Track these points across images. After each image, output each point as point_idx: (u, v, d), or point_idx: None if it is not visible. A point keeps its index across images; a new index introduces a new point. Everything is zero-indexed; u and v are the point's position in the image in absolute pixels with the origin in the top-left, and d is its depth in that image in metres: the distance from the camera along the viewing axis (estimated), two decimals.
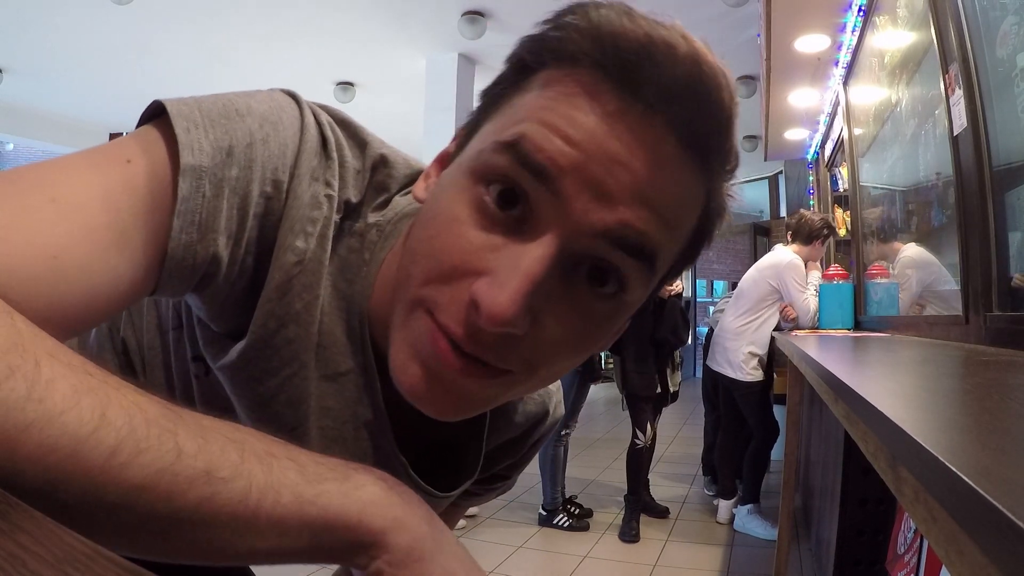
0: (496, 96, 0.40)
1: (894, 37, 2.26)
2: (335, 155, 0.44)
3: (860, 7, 2.63)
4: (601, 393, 7.26)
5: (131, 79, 5.58)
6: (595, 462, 4.34)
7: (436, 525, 0.35)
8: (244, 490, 0.30)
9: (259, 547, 0.31)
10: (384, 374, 0.48)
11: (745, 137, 6.49)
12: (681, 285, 3.09)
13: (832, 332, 2.62)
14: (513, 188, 0.36)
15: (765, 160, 5.47)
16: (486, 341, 0.36)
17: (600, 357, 3.17)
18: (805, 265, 3.02)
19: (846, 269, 3.03)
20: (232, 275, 0.42)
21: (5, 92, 5.73)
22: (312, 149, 0.43)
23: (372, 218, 0.47)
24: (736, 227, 9.72)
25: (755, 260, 3.21)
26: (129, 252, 0.36)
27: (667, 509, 3.24)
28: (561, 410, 0.66)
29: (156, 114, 0.40)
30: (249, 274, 0.42)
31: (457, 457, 0.57)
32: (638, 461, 3.06)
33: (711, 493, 3.43)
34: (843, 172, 3.70)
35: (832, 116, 3.79)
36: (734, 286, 3.32)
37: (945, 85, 1.53)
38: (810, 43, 3.05)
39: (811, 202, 4.90)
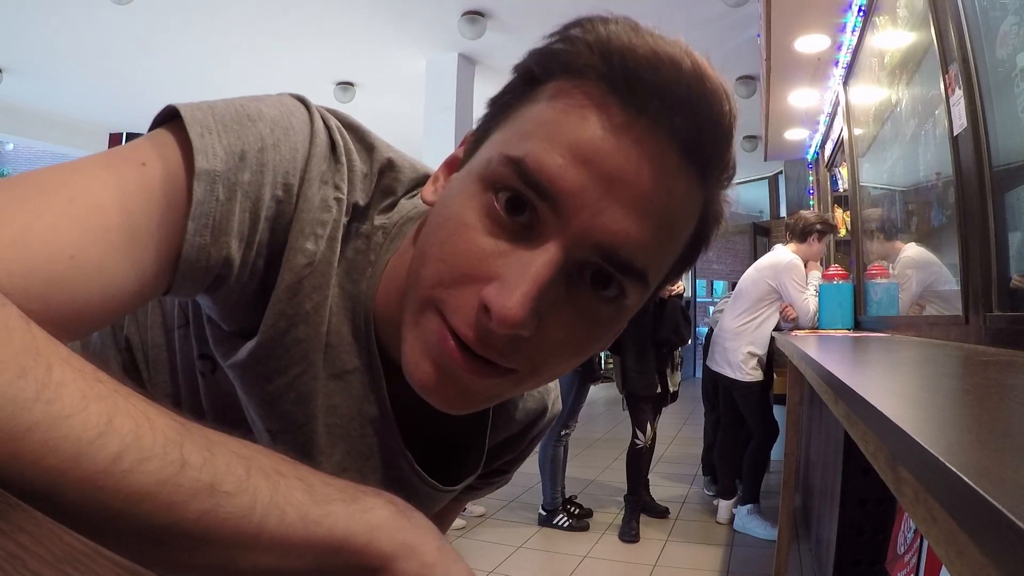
0: (504, 105, 0.42)
1: (894, 37, 2.26)
2: (344, 159, 0.45)
3: (860, 7, 2.63)
4: (601, 393, 7.26)
5: (131, 79, 5.58)
6: (595, 462, 4.34)
7: (446, 552, 0.35)
8: (248, 506, 0.29)
9: (261, 565, 0.30)
10: (389, 372, 0.49)
11: (745, 137, 6.49)
12: (682, 285, 3.09)
13: (832, 332, 2.62)
14: (520, 196, 0.37)
15: (765, 160, 5.47)
16: (494, 342, 0.37)
17: (600, 357, 3.17)
18: (806, 264, 3.02)
19: (846, 269, 3.03)
20: (243, 277, 0.42)
21: (5, 92, 5.73)
22: (322, 153, 0.43)
23: (378, 220, 0.48)
24: (736, 227, 9.72)
25: (755, 260, 3.21)
26: (143, 253, 0.37)
27: (667, 509, 3.24)
28: (559, 406, 0.67)
29: (169, 118, 0.40)
30: (260, 275, 0.43)
31: (460, 453, 0.58)
32: (638, 461, 3.06)
33: (711, 493, 3.43)
34: (843, 172, 3.70)
35: (832, 116, 3.79)
36: (734, 286, 3.32)
37: (945, 85, 1.53)
38: (810, 43, 3.05)
39: (811, 202, 4.90)
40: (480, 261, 0.37)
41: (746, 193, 9.57)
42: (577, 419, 3.22)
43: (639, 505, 3.05)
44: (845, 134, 3.26)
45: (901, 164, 2.33)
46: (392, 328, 0.46)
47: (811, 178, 5.01)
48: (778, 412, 3.26)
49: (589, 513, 3.20)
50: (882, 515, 1.83)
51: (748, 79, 5.02)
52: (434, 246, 0.40)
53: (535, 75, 0.40)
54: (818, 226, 3.02)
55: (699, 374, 4.47)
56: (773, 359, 3.13)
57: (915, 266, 2.25)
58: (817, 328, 2.84)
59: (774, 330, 3.03)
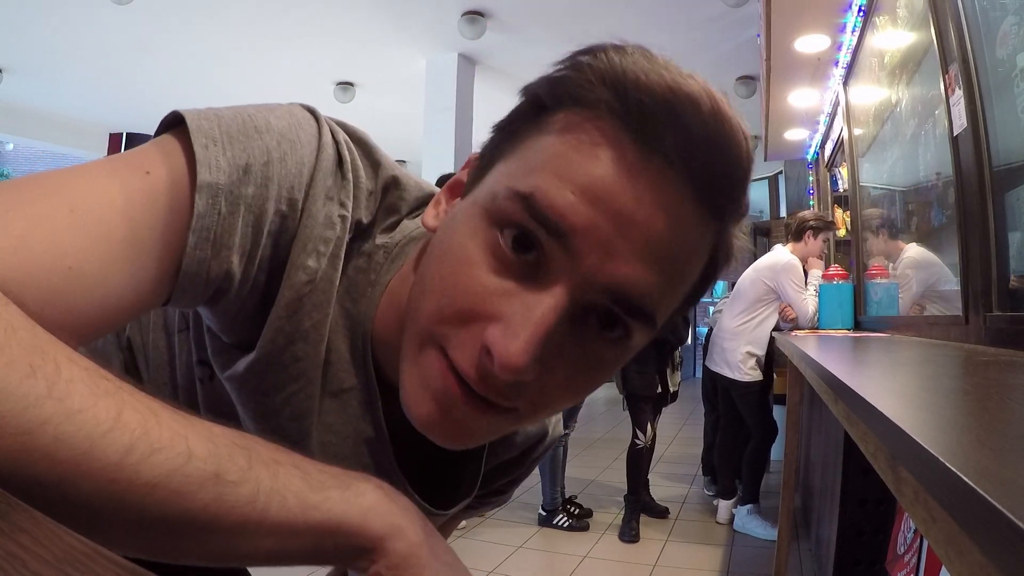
0: (511, 133, 0.40)
1: (894, 37, 2.26)
2: (350, 175, 0.44)
3: (860, 7, 2.63)
4: (601, 393, 7.26)
5: (131, 79, 5.58)
6: (595, 462, 4.34)
7: (431, 533, 0.36)
8: (252, 494, 0.30)
9: (263, 549, 0.31)
10: (385, 392, 0.48)
11: None
12: None
13: (832, 332, 2.62)
14: (527, 233, 0.36)
15: (765, 160, 5.47)
16: (495, 384, 0.37)
17: None
18: (806, 262, 3.02)
19: (846, 269, 3.03)
20: (244, 291, 0.42)
21: (5, 92, 5.73)
22: (328, 168, 0.43)
23: (380, 240, 0.47)
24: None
25: (755, 260, 3.21)
26: (144, 264, 0.36)
27: (667, 509, 3.24)
28: (560, 429, 0.67)
29: (175, 123, 0.40)
30: (260, 290, 0.43)
31: (455, 473, 0.58)
32: (638, 461, 3.06)
33: (711, 493, 3.43)
34: (843, 172, 3.70)
35: (832, 116, 3.79)
36: (733, 286, 3.32)
37: (945, 85, 1.53)
38: (810, 43, 3.05)
39: (811, 202, 4.90)
40: (484, 300, 0.37)
41: None
42: (577, 419, 3.22)
43: (639, 505, 3.05)
44: (845, 134, 3.26)
45: (901, 164, 2.33)
46: (390, 350, 0.45)
47: (811, 178, 5.01)
48: (778, 412, 3.26)
49: (589, 513, 3.20)
50: (882, 515, 1.83)
51: (748, 79, 5.02)
52: (436, 279, 0.39)
53: (544, 103, 0.39)
54: (811, 223, 3.03)
55: (699, 374, 4.47)
56: (773, 359, 3.13)
57: (916, 266, 2.25)
58: (817, 328, 2.84)
59: (774, 330, 3.03)
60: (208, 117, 0.39)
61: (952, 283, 1.68)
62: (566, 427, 3.15)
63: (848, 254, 3.40)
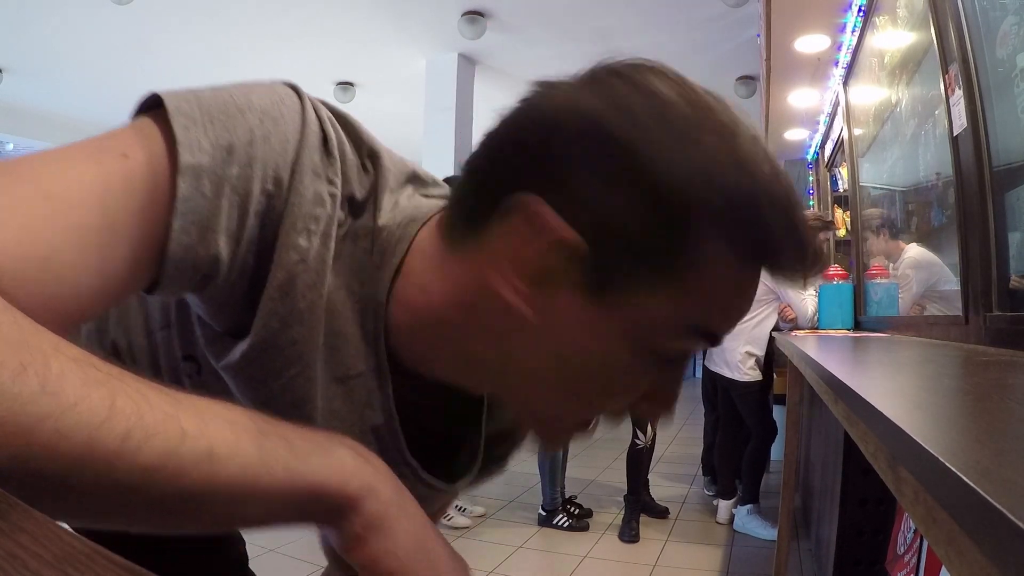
0: (655, 262, 0.40)
1: (894, 37, 2.26)
2: (336, 151, 0.44)
3: (860, 7, 2.63)
4: None
5: (131, 79, 5.58)
6: (595, 462, 4.34)
7: (402, 492, 0.38)
8: (242, 466, 0.32)
9: (252, 516, 0.33)
10: (396, 376, 0.48)
11: None
12: None
13: (832, 332, 2.62)
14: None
15: None
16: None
17: None
18: None
19: (846, 269, 3.03)
20: (232, 275, 0.41)
21: (5, 92, 5.74)
22: (314, 145, 0.42)
23: (383, 220, 0.47)
24: None
25: None
26: (122, 250, 0.36)
27: (667, 509, 3.24)
28: None
29: (153, 105, 0.39)
30: (250, 273, 0.42)
31: (456, 445, 0.58)
32: (638, 461, 3.06)
33: (711, 493, 3.43)
34: (843, 172, 3.71)
35: (832, 116, 3.79)
36: None
37: (945, 85, 1.53)
38: (810, 43, 3.06)
39: (811, 202, 4.90)
40: (632, 394, 0.45)
41: None
42: None
43: (639, 505, 3.05)
44: (845, 134, 3.26)
45: (901, 164, 2.33)
46: (408, 334, 0.47)
47: (811, 178, 5.01)
48: (778, 412, 3.26)
49: (589, 513, 3.20)
50: (882, 515, 1.83)
51: (748, 79, 5.03)
52: (568, 381, 0.44)
53: (690, 226, 0.39)
54: (811, 222, 3.02)
55: (699, 374, 4.47)
56: (772, 359, 3.13)
57: (916, 266, 2.25)
58: (817, 328, 2.84)
59: (773, 330, 3.03)
60: (187, 98, 0.39)
61: (952, 283, 1.68)
62: None
63: (848, 254, 3.40)
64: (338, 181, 0.44)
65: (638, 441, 3.05)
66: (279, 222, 0.41)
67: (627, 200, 0.39)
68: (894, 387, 0.74)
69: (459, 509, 3.08)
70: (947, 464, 0.31)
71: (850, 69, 3.08)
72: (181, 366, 0.50)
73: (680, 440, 5.11)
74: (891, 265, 2.58)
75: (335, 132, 0.44)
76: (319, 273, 0.43)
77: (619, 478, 3.25)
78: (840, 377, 0.69)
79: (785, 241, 0.41)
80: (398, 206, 0.48)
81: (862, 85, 2.96)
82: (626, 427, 3.23)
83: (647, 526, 3.05)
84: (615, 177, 0.39)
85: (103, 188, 0.35)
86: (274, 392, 0.45)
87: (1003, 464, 0.31)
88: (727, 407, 3.21)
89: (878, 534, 1.83)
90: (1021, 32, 1.23)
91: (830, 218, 3.52)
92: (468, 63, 5.04)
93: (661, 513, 3.21)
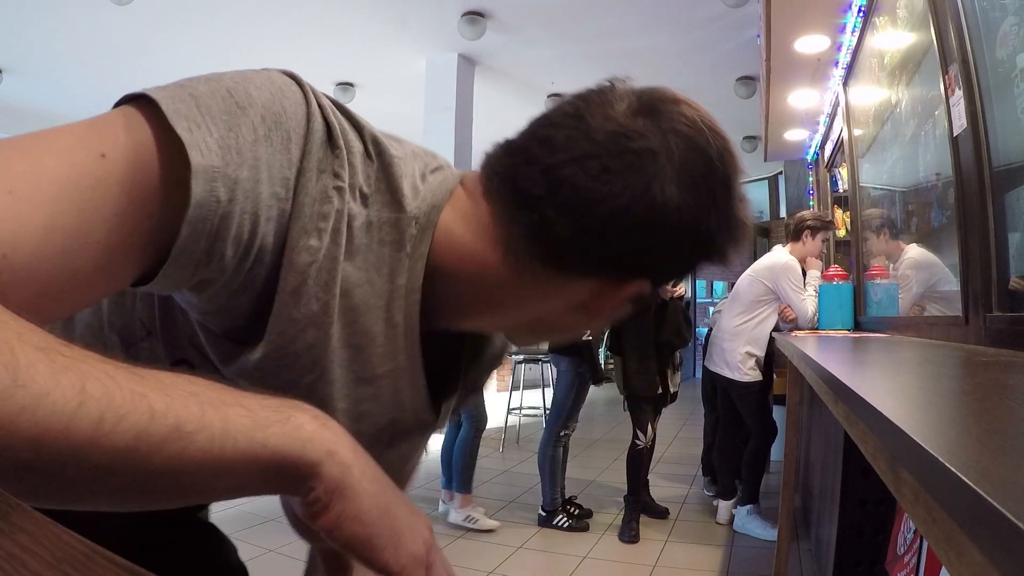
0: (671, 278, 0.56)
1: (894, 38, 2.26)
2: (341, 143, 0.43)
3: (860, 8, 2.63)
4: (601, 394, 7.26)
5: (131, 79, 5.58)
6: (595, 463, 4.34)
7: (360, 454, 0.38)
8: (208, 440, 0.32)
9: (219, 487, 0.34)
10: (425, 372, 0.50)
11: (745, 138, 6.49)
12: (683, 288, 3.10)
13: (832, 333, 2.62)
14: None
15: (765, 161, 5.47)
16: None
17: (601, 358, 3.17)
18: (804, 262, 3.02)
19: (846, 269, 3.03)
20: (235, 283, 0.41)
21: (5, 92, 5.73)
22: (319, 139, 0.42)
23: (410, 208, 0.46)
24: None
25: (755, 261, 3.21)
26: (92, 252, 0.35)
27: (667, 510, 3.24)
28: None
29: (136, 99, 0.38)
30: (260, 281, 0.41)
31: (443, 382, 0.60)
32: (638, 462, 3.06)
33: (711, 494, 3.43)
34: (843, 173, 3.70)
35: (832, 117, 3.79)
36: (733, 287, 3.32)
37: (945, 86, 1.53)
38: (810, 43, 3.05)
39: (811, 203, 4.90)
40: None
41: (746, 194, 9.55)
42: (577, 420, 3.22)
43: (639, 506, 3.05)
44: (845, 134, 3.26)
45: (901, 165, 2.33)
46: (439, 313, 0.49)
47: (811, 179, 5.01)
48: (778, 412, 3.26)
49: (589, 514, 3.20)
50: (882, 516, 1.83)
51: (748, 79, 5.02)
52: (573, 329, 0.57)
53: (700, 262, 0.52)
54: (809, 223, 3.03)
55: (699, 375, 4.47)
56: (772, 359, 3.13)
57: (916, 267, 2.25)
58: (817, 329, 2.84)
59: (773, 330, 3.03)
60: (182, 98, 0.37)
61: (952, 283, 1.68)
62: (566, 427, 3.15)
63: (848, 254, 3.40)
64: (345, 174, 0.43)
65: (638, 441, 3.05)
66: (288, 225, 0.41)
67: (689, 266, 0.51)
68: (894, 387, 0.74)
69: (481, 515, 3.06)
70: (947, 464, 0.31)
71: (850, 69, 3.08)
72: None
73: (680, 440, 5.11)
74: (891, 265, 2.58)
75: (338, 122, 0.43)
76: (331, 272, 0.42)
77: (619, 478, 3.25)
78: (840, 377, 0.69)
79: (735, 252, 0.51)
80: (418, 192, 0.47)
81: (862, 85, 2.96)
82: (626, 427, 3.23)
83: (647, 526, 3.05)
84: (692, 256, 0.50)
85: (73, 188, 0.34)
86: (292, 395, 0.46)
87: (1003, 464, 0.31)
88: (727, 407, 3.21)
89: (878, 534, 1.83)
90: (1021, 32, 1.23)
91: (830, 218, 3.52)
92: (468, 63, 5.04)
93: (661, 513, 3.21)
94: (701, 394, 3.81)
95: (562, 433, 3.14)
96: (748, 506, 3.00)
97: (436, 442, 3.61)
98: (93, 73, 5.53)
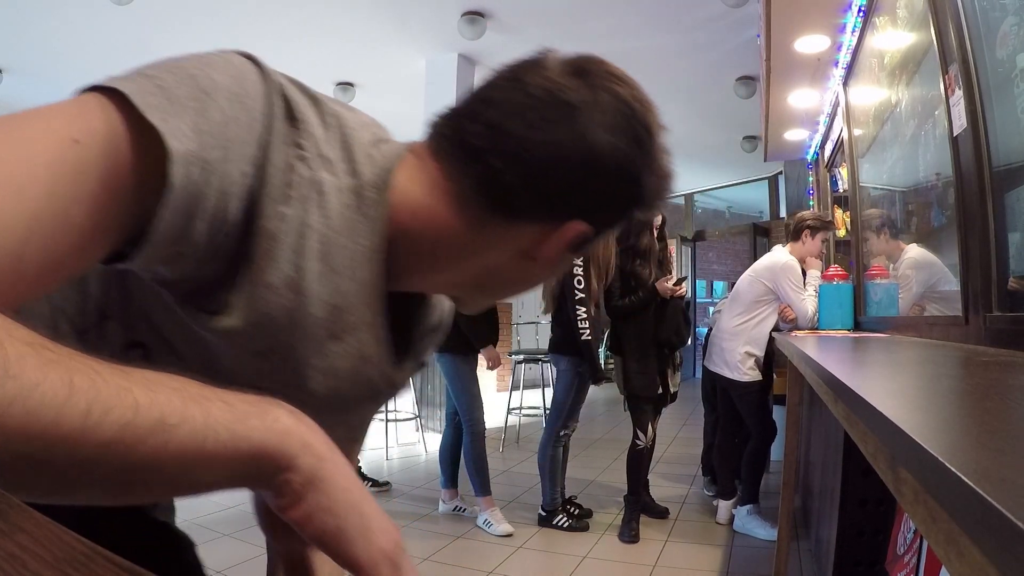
0: (611, 230, 0.60)
1: (894, 38, 2.26)
2: (300, 115, 0.46)
3: (860, 8, 2.63)
4: (601, 394, 7.26)
5: None
6: (595, 462, 4.34)
7: (332, 448, 0.39)
8: (190, 433, 0.33)
9: (202, 480, 0.34)
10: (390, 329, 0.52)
11: (745, 137, 6.49)
12: (684, 288, 3.09)
13: (832, 333, 2.62)
14: None
15: (765, 160, 5.47)
16: None
17: (601, 358, 3.17)
18: (804, 262, 3.02)
19: (846, 269, 3.03)
20: (205, 256, 0.43)
21: (5, 92, 5.73)
22: (280, 115, 0.44)
23: (366, 175, 0.49)
24: (736, 228, 9.72)
25: (755, 261, 3.21)
26: (69, 236, 0.36)
27: (667, 509, 3.24)
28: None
29: (102, 88, 0.39)
30: (230, 254, 0.44)
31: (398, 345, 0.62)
32: (638, 462, 3.06)
33: (711, 493, 3.43)
34: (843, 173, 3.70)
35: (832, 116, 3.79)
36: (733, 286, 3.33)
37: (945, 86, 1.53)
38: (810, 43, 3.05)
39: (811, 203, 4.90)
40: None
41: (746, 194, 9.57)
42: (577, 420, 3.22)
43: (639, 505, 3.05)
44: (845, 134, 3.26)
45: (901, 164, 2.33)
46: (399, 272, 0.52)
47: (811, 178, 5.01)
48: (778, 412, 3.26)
49: (589, 513, 3.20)
50: (882, 516, 1.83)
51: (748, 79, 5.02)
52: (526, 287, 0.61)
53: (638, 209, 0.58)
54: (809, 222, 3.03)
55: (699, 374, 4.47)
56: (772, 359, 3.13)
57: (916, 267, 2.25)
58: (817, 328, 2.84)
59: (773, 330, 3.03)
60: (149, 89, 0.39)
61: (952, 283, 1.68)
62: (566, 427, 3.15)
63: (848, 254, 3.40)
64: (307, 144, 0.46)
65: (638, 441, 3.05)
66: (257, 198, 0.43)
67: (623, 210, 0.55)
68: (894, 387, 0.74)
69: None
70: (947, 464, 0.31)
71: (850, 69, 3.08)
72: (128, 355, 0.51)
73: (680, 440, 5.11)
74: (891, 265, 2.58)
75: (295, 97, 0.46)
76: (302, 236, 0.45)
77: (619, 478, 3.25)
78: (840, 377, 0.69)
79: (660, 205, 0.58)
80: (372, 159, 0.51)
81: (862, 85, 2.96)
82: (626, 427, 3.23)
83: (647, 526, 3.05)
84: (625, 199, 0.54)
85: (49, 174, 0.35)
86: (273, 363, 0.47)
87: (1003, 464, 0.31)
88: (727, 407, 3.21)
89: (878, 534, 1.83)
90: (1021, 32, 1.23)
91: (829, 218, 3.52)
92: (468, 63, 5.04)
93: (661, 513, 3.21)
94: (701, 394, 3.80)
95: (562, 433, 3.14)
96: (748, 506, 3.00)
97: (436, 442, 3.61)
98: (93, 73, 5.48)
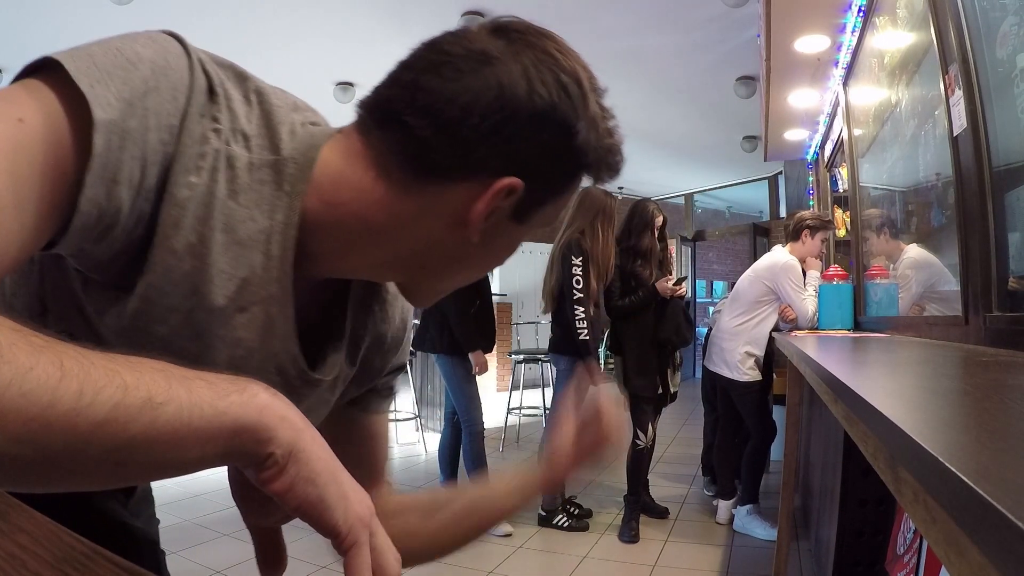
0: (561, 192, 0.57)
1: (894, 38, 2.26)
2: (220, 91, 0.47)
3: (860, 7, 2.63)
4: None
5: None
6: None
7: (306, 421, 0.40)
8: (177, 410, 0.34)
9: (188, 457, 0.35)
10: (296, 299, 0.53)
11: (745, 137, 6.49)
12: (684, 288, 3.09)
13: (832, 333, 2.62)
14: None
15: (765, 160, 5.47)
16: None
17: (601, 358, 3.17)
18: (804, 262, 3.02)
19: (846, 269, 3.03)
20: (129, 224, 0.44)
21: None
22: (201, 88, 0.46)
23: (285, 150, 0.50)
24: (736, 228, 9.72)
25: (754, 261, 3.21)
26: (26, 216, 0.38)
27: (667, 509, 3.24)
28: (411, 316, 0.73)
29: (37, 68, 0.41)
30: (146, 220, 0.45)
31: (325, 343, 0.62)
32: (638, 462, 3.06)
33: (710, 493, 3.43)
34: (843, 173, 3.70)
35: (832, 116, 3.79)
36: (733, 286, 3.33)
37: (945, 86, 1.53)
38: (810, 43, 3.05)
39: (811, 203, 4.90)
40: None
41: (746, 194, 9.57)
42: None
43: (639, 505, 3.05)
44: (845, 134, 3.26)
45: (901, 165, 2.33)
46: (319, 248, 0.52)
47: (811, 178, 5.00)
48: (778, 412, 3.26)
49: (589, 513, 3.20)
50: (882, 516, 1.83)
51: (748, 79, 5.02)
52: (477, 270, 0.59)
53: (580, 168, 0.56)
54: (809, 222, 3.04)
55: (699, 375, 4.46)
56: (772, 359, 3.13)
57: (916, 267, 2.25)
58: (817, 328, 2.84)
59: (773, 330, 3.03)
60: (80, 58, 0.40)
61: (951, 284, 1.68)
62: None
63: (848, 254, 3.40)
64: (223, 118, 0.47)
65: (639, 442, 3.05)
66: (171, 166, 0.44)
67: (559, 166, 0.53)
68: (894, 387, 0.74)
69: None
70: (947, 464, 0.31)
71: (850, 69, 3.07)
72: None
73: (680, 440, 5.11)
74: (891, 265, 2.58)
75: (216, 73, 0.47)
76: (208, 207, 0.46)
77: (619, 478, 3.25)
78: (840, 377, 0.69)
79: (610, 175, 0.56)
80: (295, 135, 0.51)
81: (862, 85, 2.96)
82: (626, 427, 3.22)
83: (647, 526, 3.05)
84: (556, 149, 0.51)
85: (3, 156, 0.36)
86: (174, 330, 0.48)
87: (1003, 464, 0.31)
88: (726, 407, 3.21)
89: (878, 535, 1.83)
90: (1021, 32, 1.23)
91: (829, 217, 3.52)
92: None
93: (661, 513, 3.21)
94: (701, 394, 3.80)
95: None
96: (748, 506, 3.00)
97: (435, 442, 3.61)
98: None
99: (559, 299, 3.01)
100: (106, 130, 0.39)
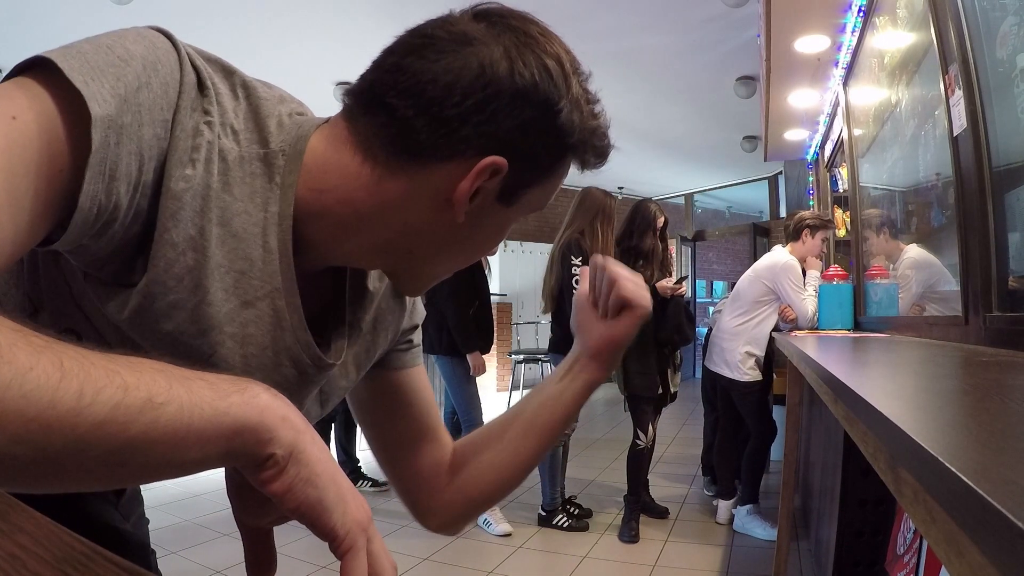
0: (546, 173, 0.57)
1: (894, 38, 2.26)
2: (209, 85, 0.47)
3: (860, 8, 2.63)
4: (600, 394, 7.26)
5: None
6: (594, 462, 4.34)
7: (306, 423, 0.40)
8: (177, 410, 0.34)
9: (188, 457, 0.35)
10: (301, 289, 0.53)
11: (745, 137, 6.49)
12: (685, 287, 3.09)
13: (832, 333, 2.62)
14: None
15: (765, 160, 5.47)
16: None
17: None
18: (804, 262, 3.02)
19: (846, 269, 3.03)
20: (127, 219, 0.44)
21: None
22: (191, 83, 0.46)
23: (274, 143, 0.50)
24: (736, 228, 9.72)
25: (755, 261, 3.21)
26: (21, 212, 0.38)
27: (666, 509, 3.24)
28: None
29: (28, 67, 0.41)
30: (143, 216, 0.45)
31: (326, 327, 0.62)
32: (638, 462, 3.06)
33: (710, 493, 3.43)
34: (843, 173, 3.70)
35: (832, 116, 3.79)
36: (733, 286, 3.33)
37: (945, 86, 1.53)
38: (810, 43, 3.05)
39: (811, 203, 4.90)
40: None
41: (746, 194, 9.57)
42: (577, 419, 3.22)
43: (639, 505, 3.05)
44: (845, 134, 3.26)
45: (901, 164, 2.33)
46: (316, 237, 0.52)
47: (811, 178, 5.00)
48: (778, 412, 3.26)
49: (589, 513, 3.20)
50: (882, 516, 1.83)
51: (748, 79, 5.02)
52: (468, 254, 0.59)
53: (567, 150, 0.56)
54: (808, 222, 3.04)
55: (699, 375, 4.47)
56: (773, 359, 3.13)
57: (916, 267, 2.25)
58: (817, 329, 2.84)
59: (773, 330, 3.03)
60: (72, 55, 0.41)
61: (951, 284, 1.68)
62: (566, 427, 3.15)
63: (848, 254, 3.40)
64: (214, 111, 0.47)
65: (639, 442, 3.05)
66: (166, 160, 0.45)
67: (543, 145, 0.53)
68: (894, 387, 0.74)
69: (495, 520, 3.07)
70: (947, 464, 0.31)
71: (850, 69, 3.07)
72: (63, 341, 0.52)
73: (680, 440, 5.11)
74: (891, 265, 2.58)
75: (205, 68, 0.48)
76: (205, 199, 0.47)
77: (619, 478, 3.25)
78: (840, 377, 0.69)
79: (597, 159, 0.57)
80: (283, 127, 0.52)
81: (862, 85, 2.96)
82: (626, 427, 3.23)
83: (647, 526, 3.05)
84: (539, 129, 0.51)
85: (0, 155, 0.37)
86: (180, 326, 0.48)
87: (1003, 464, 0.31)
88: (727, 407, 3.21)
89: (878, 535, 1.83)
90: (1021, 32, 1.23)
91: (828, 217, 3.52)
92: None
93: (661, 513, 3.21)
94: (701, 394, 3.80)
95: (562, 432, 3.14)
96: (748, 506, 3.00)
97: None
98: None
99: (559, 299, 3.01)
100: (103, 126, 0.40)
